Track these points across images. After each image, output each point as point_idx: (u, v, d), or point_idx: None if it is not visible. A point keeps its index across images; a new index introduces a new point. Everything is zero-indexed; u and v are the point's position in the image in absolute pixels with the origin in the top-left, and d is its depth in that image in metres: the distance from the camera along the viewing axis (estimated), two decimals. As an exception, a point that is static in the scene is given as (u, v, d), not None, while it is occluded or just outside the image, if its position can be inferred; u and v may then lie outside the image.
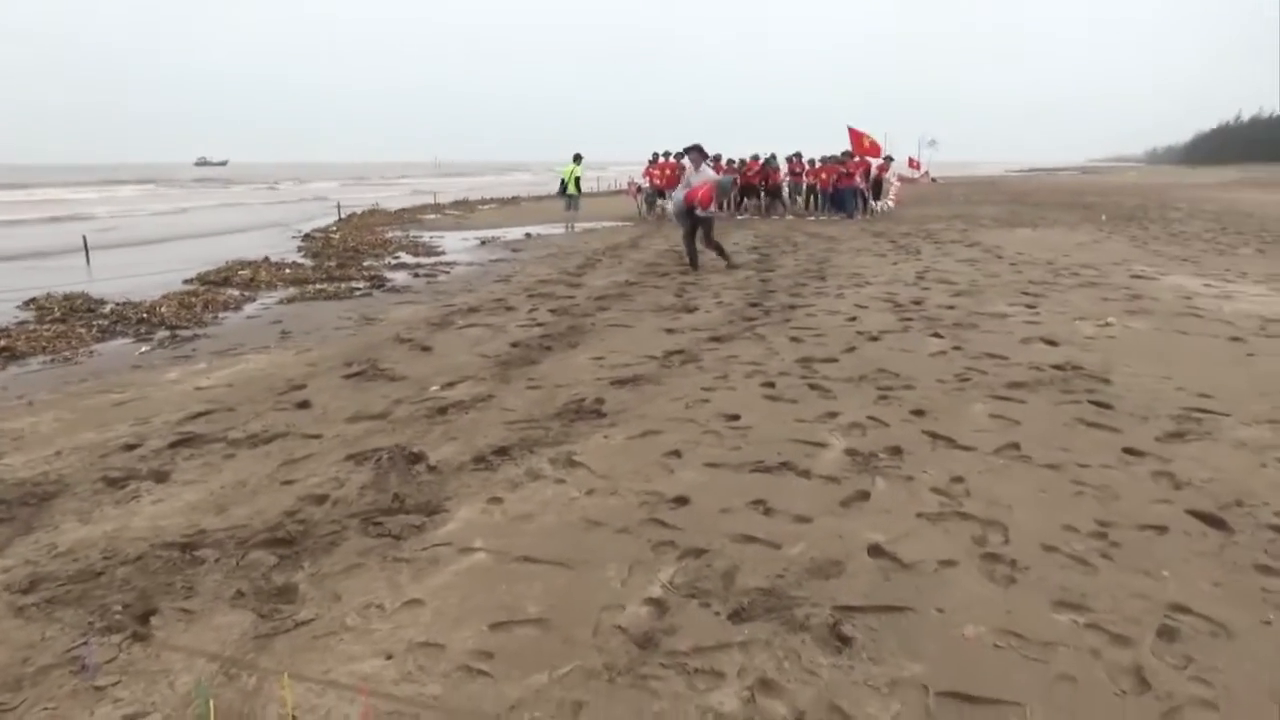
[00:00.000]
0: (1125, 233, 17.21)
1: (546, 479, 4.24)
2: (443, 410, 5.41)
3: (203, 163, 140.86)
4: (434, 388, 5.98)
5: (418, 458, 4.51)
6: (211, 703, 2.44)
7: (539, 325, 8.29)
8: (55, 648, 2.81)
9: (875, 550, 3.41)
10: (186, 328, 8.48)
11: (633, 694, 2.54)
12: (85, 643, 2.81)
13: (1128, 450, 4.46)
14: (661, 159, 22.78)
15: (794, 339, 7.39)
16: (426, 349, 7.27)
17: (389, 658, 2.74)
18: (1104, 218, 21.27)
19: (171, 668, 2.70)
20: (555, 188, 23.60)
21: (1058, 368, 6.20)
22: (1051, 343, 7.05)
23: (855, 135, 24.81)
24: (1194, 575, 3.18)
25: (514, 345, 7.39)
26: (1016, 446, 4.55)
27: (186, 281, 11.68)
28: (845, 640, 2.79)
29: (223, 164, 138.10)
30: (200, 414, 5.40)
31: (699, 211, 11.90)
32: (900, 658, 2.70)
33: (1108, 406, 5.24)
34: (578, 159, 21.40)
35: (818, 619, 2.91)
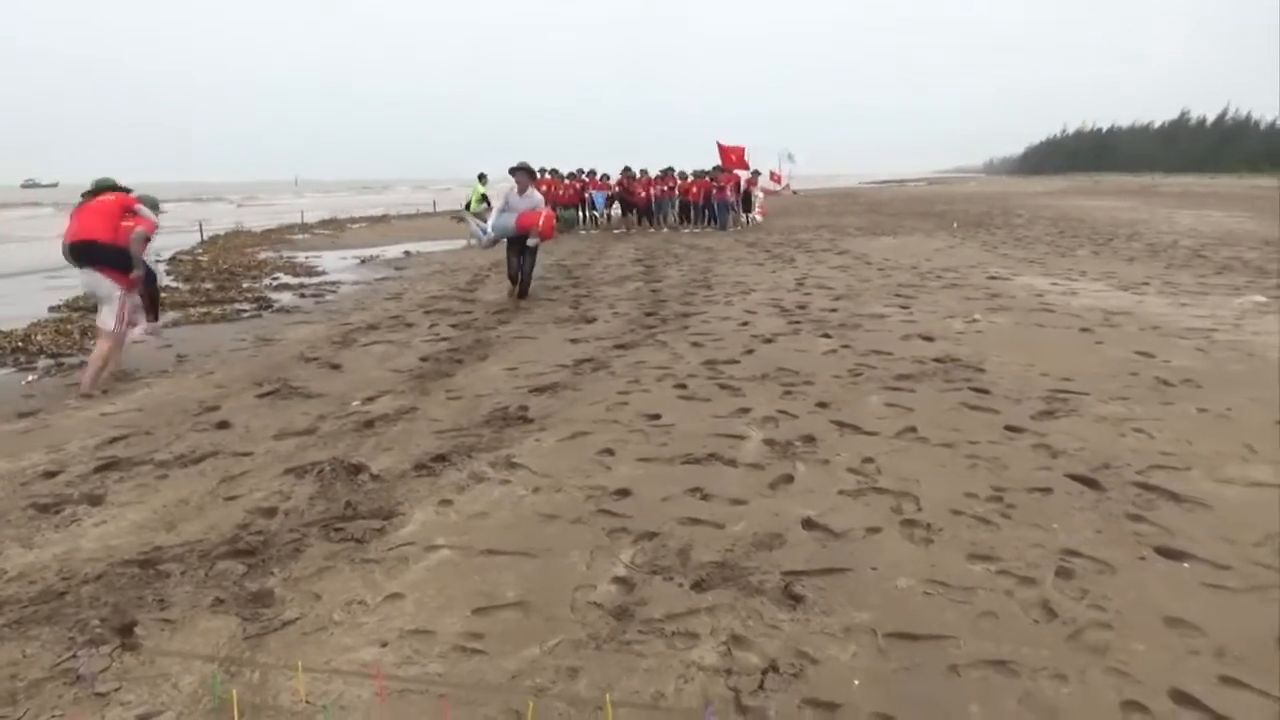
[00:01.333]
0: (976, 239, 18.58)
1: (491, 480, 4.44)
2: (369, 424, 5.50)
3: (31, 184, 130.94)
4: (355, 403, 6.05)
5: (358, 469, 4.62)
6: (235, 692, 2.56)
7: (444, 340, 8.40)
8: (42, 662, 2.84)
9: (808, 523, 3.79)
10: (70, 354, 8.16)
11: (621, 657, 2.81)
12: (74, 655, 2.85)
13: (1009, 428, 5.04)
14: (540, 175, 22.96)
15: (695, 344, 7.78)
16: (335, 366, 7.28)
17: (384, 645, 2.91)
18: (956, 225, 22.82)
19: (169, 671, 2.79)
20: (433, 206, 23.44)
21: (938, 360, 6.82)
22: (928, 338, 7.70)
23: (724, 150, 25.76)
24: (1078, 526, 3.70)
25: (423, 360, 7.49)
26: (914, 430, 5.05)
27: (53, 309, 11.14)
28: (798, 599, 3.13)
29: (53, 186, 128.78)
30: (116, 439, 5.30)
31: (531, 241, 10.83)
32: (848, 609, 3.06)
33: (985, 391, 5.85)
34: (482, 178, 21.43)
35: (770, 583, 3.26)
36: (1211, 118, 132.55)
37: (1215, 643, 2.81)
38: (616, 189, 24.75)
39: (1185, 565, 3.35)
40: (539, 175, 21.82)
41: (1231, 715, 2.45)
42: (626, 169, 24.82)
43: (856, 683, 2.65)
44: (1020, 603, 3.08)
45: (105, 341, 6.76)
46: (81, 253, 6.69)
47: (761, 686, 2.64)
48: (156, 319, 7.87)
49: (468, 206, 21.30)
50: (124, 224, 6.86)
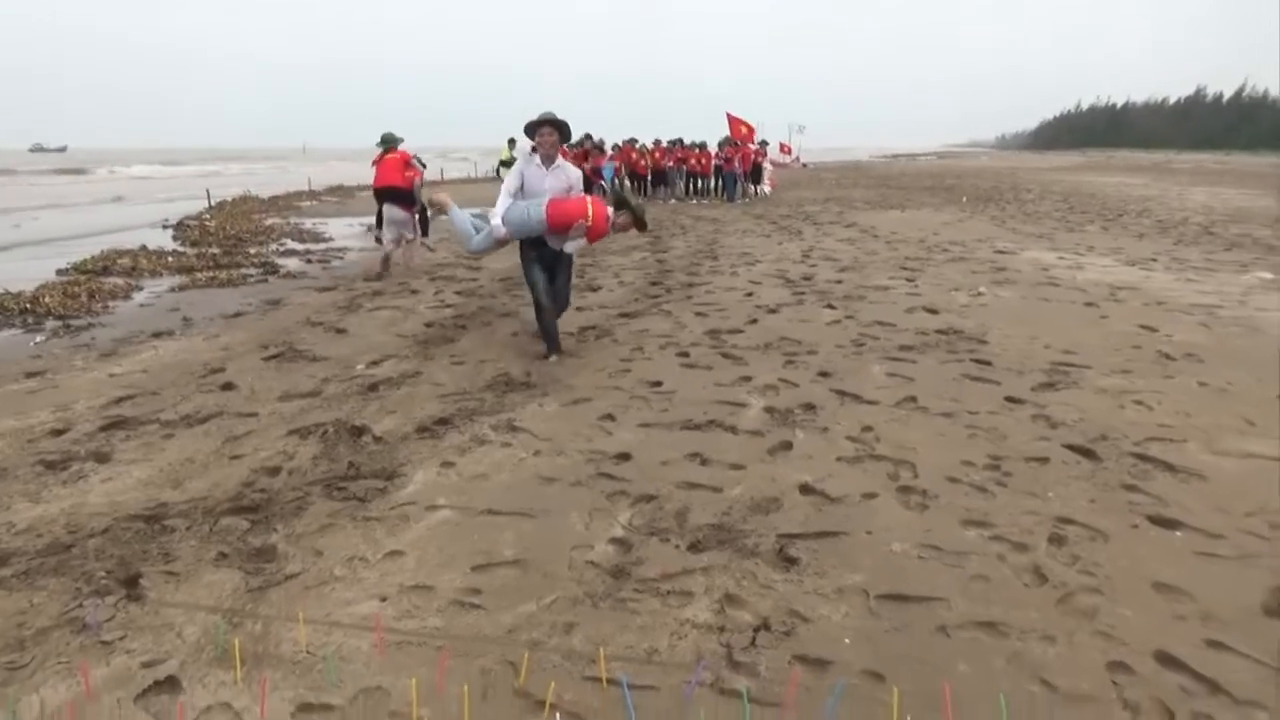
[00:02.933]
0: (985, 213, 18.47)
1: (493, 444, 4.48)
2: (373, 387, 5.55)
3: (38, 149, 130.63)
4: (359, 366, 6.09)
5: (361, 430, 4.67)
6: (238, 641, 2.62)
7: (449, 307, 8.42)
8: (49, 611, 2.90)
9: (805, 489, 3.83)
10: (77, 317, 8.20)
11: (616, 614, 2.85)
12: (81, 605, 2.91)
13: (1009, 399, 5.05)
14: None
15: (699, 313, 7.80)
16: (341, 331, 7.32)
17: (384, 599, 2.97)
18: (965, 199, 22.69)
19: (174, 621, 2.84)
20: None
21: (940, 332, 6.82)
22: (932, 311, 7.70)
23: (734, 121, 25.58)
24: (1073, 495, 3.73)
25: (428, 325, 7.52)
26: (914, 399, 5.07)
27: (60, 272, 11.18)
28: (792, 561, 3.18)
29: (61, 150, 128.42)
30: (123, 399, 5.35)
31: (571, 245, 6.18)
32: (841, 571, 3.11)
33: (987, 363, 5.86)
34: (511, 143, 21.15)
35: (765, 545, 3.30)
36: (1228, 94, 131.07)
37: (1203, 608, 2.84)
38: (617, 160, 24.60)
39: (1177, 534, 3.38)
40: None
41: (1215, 677, 2.48)
42: (631, 140, 24.67)
43: (847, 641, 2.69)
44: (1012, 567, 3.12)
45: (404, 247, 11.01)
46: (384, 193, 10.82)
47: (753, 643, 2.68)
48: (427, 235, 12.26)
49: (496, 173, 19.53)
50: (407, 173, 10.72)
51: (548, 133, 5.93)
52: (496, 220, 6.03)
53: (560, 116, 5.94)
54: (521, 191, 6.10)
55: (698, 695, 2.44)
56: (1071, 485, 3.83)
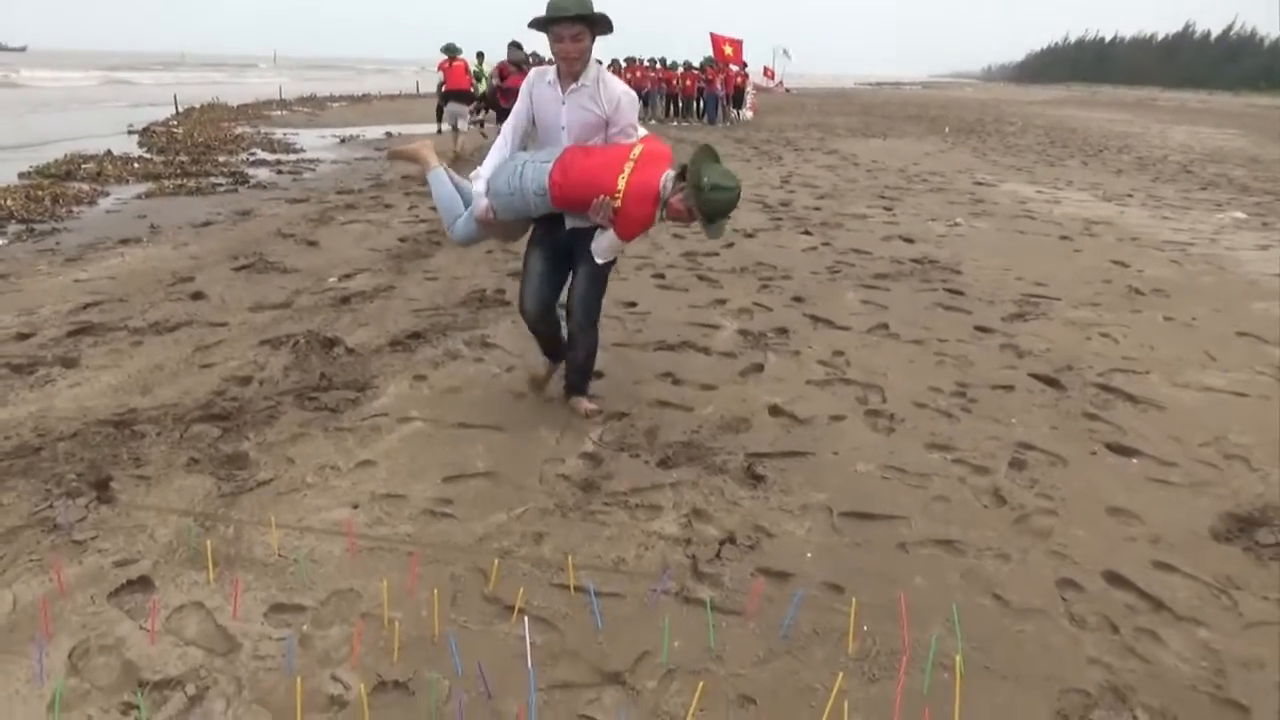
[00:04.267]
0: (967, 144, 18.39)
1: (465, 359, 4.49)
2: (345, 300, 5.50)
3: None
4: (331, 279, 6.03)
5: (333, 342, 4.65)
6: (210, 544, 2.65)
7: (423, 222, 8.31)
8: (19, 511, 2.90)
9: (775, 410, 3.88)
10: (41, 221, 8.02)
11: (585, 525, 2.91)
12: (51, 506, 2.91)
13: (979, 328, 5.12)
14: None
15: (676, 235, 7.75)
16: (312, 243, 7.21)
17: (355, 507, 3.00)
18: (947, 130, 22.54)
19: (146, 523, 2.86)
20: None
21: (916, 261, 6.85)
22: (909, 240, 7.72)
23: (717, 41, 25.06)
24: (1036, 422, 3.81)
25: (402, 240, 7.43)
26: (886, 326, 5.12)
27: (22, 176, 10.87)
28: (759, 479, 3.24)
29: (21, 49, 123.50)
30: (89, 305, 5.27)
31: (602, 251, 3.56)
32: (807, 489, 3.18)
33: (960, 293, 5.91)
34: (480, 58, 20.46)
35: (734, 463, 3.36)
36: (1216, 31, 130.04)
37: (1152, 531, 2.95)
38: None
39: (1134, 461, 3.47)
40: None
41: (1159, 595, 2.59)
42: (615, 61, 24.11)
43: (809, 555, 2.77)
44: (972, 489, 3.20)
45: (462, 135, 14.23)
46: (452, 94, 14.13)
47: (718, 556, 2.75)
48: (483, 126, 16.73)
49: (482, 99, 15.86)
50: (467, 77, 14.35)
51: (570, 32, 3.31)
52: (479, 186, 3.58)
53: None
54: (533, 132, 3.66)
55: (662, 603, 2.50)
56: (1035, 413, 3.91)
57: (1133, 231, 8.40)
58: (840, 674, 2.14)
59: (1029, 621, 2.46)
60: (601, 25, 3.37)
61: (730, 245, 7.34)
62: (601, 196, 3.31)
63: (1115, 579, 2.67)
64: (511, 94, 9.39)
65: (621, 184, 3.32)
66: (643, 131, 3.66)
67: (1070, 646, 2.36)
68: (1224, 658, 2.32)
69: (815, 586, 2.59)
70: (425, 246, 7.20)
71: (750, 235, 7.81)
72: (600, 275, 3.64)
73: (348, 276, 6.11)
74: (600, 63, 3.54)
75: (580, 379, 3.85)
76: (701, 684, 2.13)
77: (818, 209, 9.36)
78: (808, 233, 7.98)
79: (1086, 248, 7.56)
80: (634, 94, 3.63)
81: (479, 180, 3.59)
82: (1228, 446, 3.61)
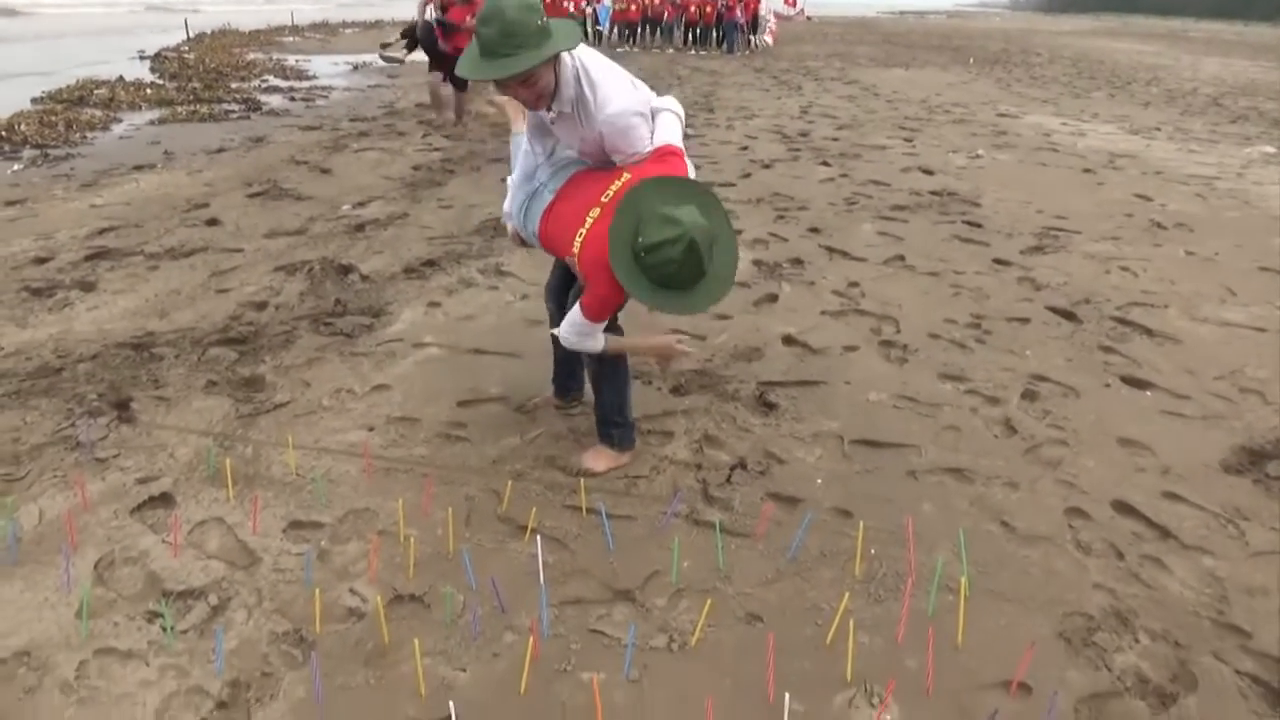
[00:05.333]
0: (991, 75, 17.94)
1: (479, 286, 4.49)
2: (360, 228, 5.49)
3: None
4: (345, 207, 6.01)
5: (348, 269, 4.65)
6: (229, 463, 2.70)
7: (437, 150, 8.24)
8: (43, 429, 2.96)
9: (788, 339, 3.88)
10: (56, 147, 8.00)
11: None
12: (73, 424, 2.97)
13: (996, 260, 5.06)
14: None
15: (692, 166, 7.64)
16: (326, 171, 7.17)
17: (371, 429, 3.04)
18: (972, 61, 21.98)
19: (166, 443, 2.91)
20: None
21: (934, 193, 6.75)
22: (928, 172, 7.59)
23: (737, -34, 24.32)
24: (1050, 354, 3.79)
25: (416, 168, 7.38)
26: (902, 258, 5.07)
27: (35, 101, 10.81)
28: (771, 406, 3.25)
29: None
30: (106, 230, 5.29)
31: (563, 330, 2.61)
32: (818, 417, 3.19)
33: (978, 226, 5.83)
34: None
35: (746, 391, 3.37)
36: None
37: (1163, 462, 2.95)
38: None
39: (1147, 394, 3.46)
40: None
41: (1167, 525, 2.61)
42: None
43: (819, 481, 2.79)
44: (984, 419, 3.20)
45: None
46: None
47: (729, 480, 2.78)
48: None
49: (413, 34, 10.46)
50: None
51: (513, 84, 2.46)
52: (507, 205, 2.90)
53: None
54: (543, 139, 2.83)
55: (673, 525, 2.54)
56: (1050, 345, 3.90)
57: (1158, 165, 8.23)
58: (846, 594, 2.18)
59: (1035, 548, 2.49)
60: (551, 59, 2.40)
61: (747, 176, 7.26)
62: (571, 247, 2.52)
63: (1123, 508, 2.68)
64: (454, 33, 8.90)
65: (577, 244, 2.50)
66: (664, 138, 2.64)
67: (1075, 572, 2.39)
68: (1228, 585, 2.35)
69: (824, 511, 2.62)
70: (439, 174, 7.15)
71: (768, 166, 7.70)
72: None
73: (362, 204, 6.09)
74: (582, 72, 2.54)
75: (598, 422, 2.87)
76: (710, 602, 2.17)
77: (836, 140, 9.20)
78: (826, 164, 7.87)
79: (1110, 181, 7.42)
80: (628, 108, 2.57)
81: (507, 199, 2.88)
82: (1243, 380, 3.59)
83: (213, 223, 5.54)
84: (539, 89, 2.47)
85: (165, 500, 2.61)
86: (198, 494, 2.63)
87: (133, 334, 3.78)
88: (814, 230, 5.61)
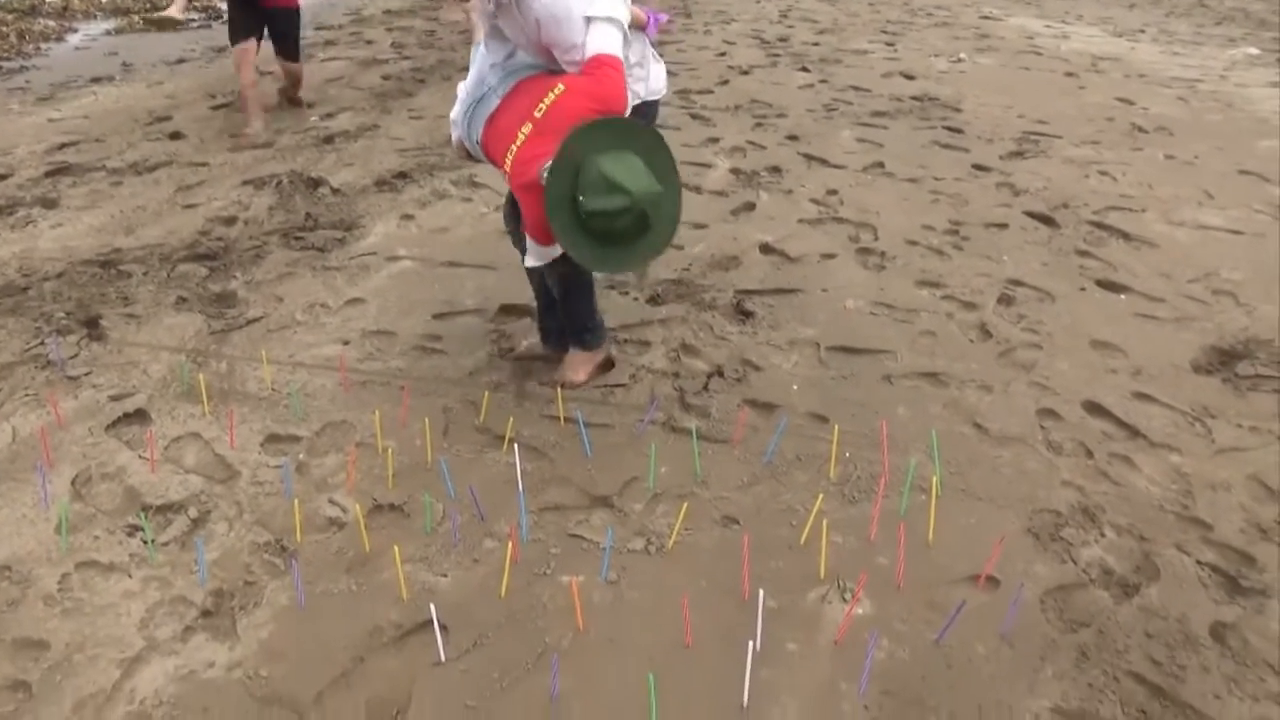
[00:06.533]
0: (975, -24, 17.48)
1: (453, 198, 4.41)
2: (329, 140, 5.36)
3: None
4: (314, 118, 5.85)
5: (318, 182, 4.55)
6: (203, 378, 2.68)
7: (406, 59, 7.98)
8: (11, 348, 2.92)
9: (765, 248, 3.85)
10: (9, 58, 7.68)
11: (575, 359, 2.93)
12: (43, 343, 2.93)
13: (976, 166, 5.01)
14: None
15: (668, 73, 7.42)
16: (292, 81, 6.94)
17: (346, 343, 3.02)
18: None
19: (138, 360, 2.89)
20: None
21: (915, 99, 6.64)
22: (909, 77, 7.45)
23: None
24: (1027, 259, 3.80)
25: (385, 78, 7.16)
26: (881, 165, 5.02)
27: (-16, 10, 10.35)
28: (748, 314, 3.25)
29: None
30: (66, 145, 5.13)
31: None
32: (795, 325, 3.19)
33: (959, 131, 5.76)
34: None
35: (723, 300, 3.36)
36: None
37: (1134, 364, 2.99)
38: None
39: (1122, 297, 3.48)
40: None
41: (1136, 424, 2.65)
42: None
43: (795, 387, 2.81)
44: (959, 324, 3.22)
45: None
46: None
47: (706, 388, 2.80)
48: None
49: None
50: None
51: None
52: (454, 113, 2.71)
53: None
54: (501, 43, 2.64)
55: (650, 432, 2.56)
56: (1027, 250, 3.89)
57: (1141, 68, 8.11)
58: (820, 496, 2.22)
59: (1007, 448, 2.53)
60: None
61: (725, 83, 7.09)
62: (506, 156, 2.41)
63: (1094, 408, 2.73)
64: None
65: (508, 162, 2.41)
66: (597, 46, 2.39)
67: (1045, 471, 2.43)
68: (1193, 480, 2.40)
69: (800, 416, 2.65)
70: (409, 85, 6.94)
71: (746, 72, 7.52)
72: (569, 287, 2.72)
73: (330, 115, 5.93)
74: None
75: (570, 331, 2.82)
76: (686, 505, 2.20)
77: (816, 45, 8.99)
78: (805, 69, 7.69)
79: (1092, 85, 7.31)
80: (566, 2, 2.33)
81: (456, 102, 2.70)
82: (1217, 282, 3.61)
83: (176, 136, 5.39)
84: None
85: (140, 416, 2.59)
86: (173, 410, 2.62)
87: (99, 251, 3.70)
88: (792, 138, 5.52)
